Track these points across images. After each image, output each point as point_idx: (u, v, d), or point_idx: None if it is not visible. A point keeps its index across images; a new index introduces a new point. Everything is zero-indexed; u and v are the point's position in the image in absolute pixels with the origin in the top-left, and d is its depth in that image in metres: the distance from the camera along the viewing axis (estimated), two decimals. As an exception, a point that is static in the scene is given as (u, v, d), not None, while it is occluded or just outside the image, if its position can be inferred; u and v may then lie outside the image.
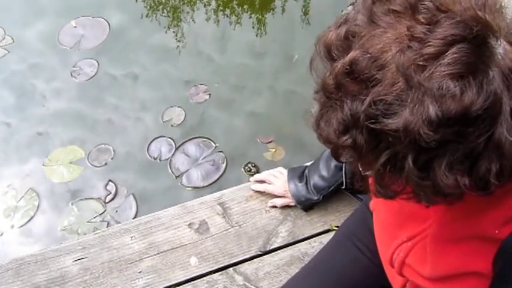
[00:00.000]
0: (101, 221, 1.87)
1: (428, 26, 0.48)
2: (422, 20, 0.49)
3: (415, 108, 0.47)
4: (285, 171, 1.38)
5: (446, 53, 0.47)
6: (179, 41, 2.43)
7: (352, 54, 0.51)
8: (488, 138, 0.48)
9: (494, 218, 0.61)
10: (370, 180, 0.59)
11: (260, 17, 2.52)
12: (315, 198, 1.30)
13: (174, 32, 2.47)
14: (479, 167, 0.50)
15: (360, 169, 0.59)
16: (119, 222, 1.72)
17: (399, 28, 0.50)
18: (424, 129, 0.47)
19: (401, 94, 0.48)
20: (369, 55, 0.50)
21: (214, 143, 2.05)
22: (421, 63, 0.47)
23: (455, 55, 0.46)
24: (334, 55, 0.53)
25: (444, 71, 0.46)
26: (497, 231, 0.60)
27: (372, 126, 0.50)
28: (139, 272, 1.29)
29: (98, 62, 2.33)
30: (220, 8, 2.56)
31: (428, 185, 0.52)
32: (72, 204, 1.91)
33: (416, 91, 0.47)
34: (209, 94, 2.20)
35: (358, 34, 0.52)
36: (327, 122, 0.54)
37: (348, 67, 0.51)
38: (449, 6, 0.49)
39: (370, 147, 0.52)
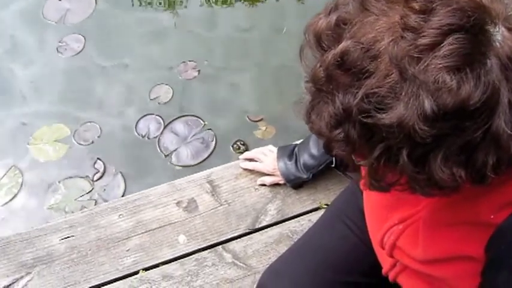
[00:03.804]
0: (88, 200, 1.85)
1: (422, 15, 0.46)
2: (417, 8, 0.46)
3: (409, 102, 0.46)
4: (274, 149, 1.37)
5: (442, 44, 0.45)
6: (168, 17, 2.38)
7: (344, 44, 0.48)
8: (486, 130, 0.47)
9: (489, 203, 0.59)
10: (364, 172, 0.57)
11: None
12: (305, 176, 1.29)
13: (163, 8, 2.41)
14: (476, 159, 0.49)
15: (353, 160, 0.57)
16: (107, 201, 1.71)
17: (392, 16, 0.47)
18: (419, 124, 0.45)
19: (395, 86, 0.46)
20: (361, 45, 0.47)
21: (203, 121, 2.03)
22: (415, 55, 0.45)
23: (451, 46, 0.44)
24: (324, 45, 0.51)
25: (440, 64, 0.44)
26: (492, 217, 0.59)
27: (365, 120, 0.48)
28: (127, 250, 1.29)
29: (84, 37, 2.27)
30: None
31: (424, 178, 0.50)
32: (59, 182, 1.89)
33: (411, 84, 0.46)
34: (198, 71, 2.17)
35: (349, 22, 0.50)
36: (318, 115, 0.52)
37: (339, 59, 0.48)
38: None
39: (363, 141, 0.50)
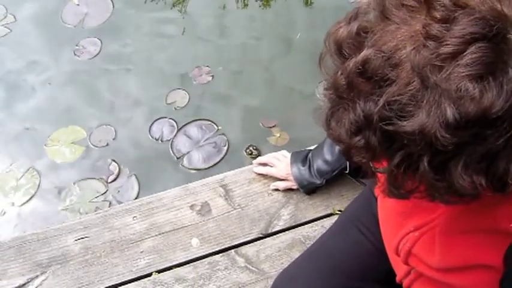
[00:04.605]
0: (102, 201, 1.87)
1: (444, 24, 0.46)
2: (439, 17, 0.46)
3: (431, 110, 0.46)
4: (288, 155, 1.37)
5: (465, 53, 0.45)
6: (182, 23, 2.40)
7: (365, 53, 0.49)
8: (508, 139, 0.47)
9: (508, 212, 0.59)
10: (382, 180, 0.57)
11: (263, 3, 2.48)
12: (318, 182, 1.29)
13: (178, 15, 2.44)
14: (497, 167, 0.49)
15: (372, 167, 0.57)
16: (121, 202, 1.73)
17: (413, 24, 0.48)
18: (441, 132, 0.45)
19: (416, 94, 0.46)
20: (382, 53, 0.48)
21: (217, 126, 2.04)
22: (437, 63, 0.45)
23: (474, 55, 0.44)
24: (345, 53, 0.52)
25: (463, 72, 0.45)
26: (511, 225, 0.58)
27: (386, 127, 0.48)
28: (140, 252, 1.30)
29: (101, 40, 2.30)
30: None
31: (444, 186, 0.50)
32: (74, 183, 1.91)
33: (433, 92, 0.46)
34: (212, 76, 2.19)
35: (370, 30, 0.50)
36: (338, 122, 0.53)
37: (360, 67, 0.49)
38: (467, 0, 0.47)
39: (383, 148, 0.50)
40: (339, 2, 2.25)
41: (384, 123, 0.48)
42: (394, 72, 0.48)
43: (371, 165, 0.57)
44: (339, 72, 0.52)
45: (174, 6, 2.45)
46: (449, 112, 0.45)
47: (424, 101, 0.46)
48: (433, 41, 0.46)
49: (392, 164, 0.51)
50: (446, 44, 0.45)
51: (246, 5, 2.45)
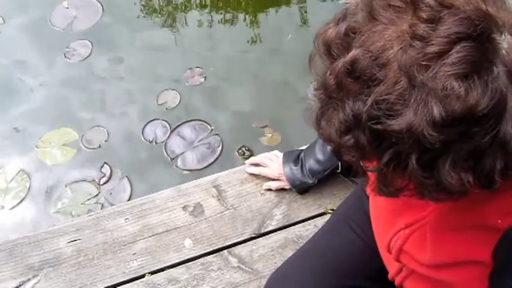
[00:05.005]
0: (95, 203, 1.86)
1: (430, 24, 0.47)
2: (425, 17, 0.47)
3: (418, 109, 0.47)
4: (280, 155, 1.38)
5: (450, 52, 0.46)
6: (172, 25, 2.40)
7: (353, 53, 0.50)
8: (493, 136, 0.48)
9: (497, 207, 0.60)
10: (372, 178, 0.58)
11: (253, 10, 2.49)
12: (310, 181, 1.29)
13: (168, 17, 2.44)
14: (484, 164, 0.50)
15: (362, 166, 0.58)
16: (113, 205, 1.72)
17: (400, 25, 0.49)
18: (428, 130, 0.46)
19: (404, 93, 0.47)
20: (370, 54, 0.49)
21: (210, 126, 2.05)
22: (424, 62, 0.46)
23: (459, 54, 0.45)
24: (334, 54, 0.52)
25: (448, 71, 0.45)
26: (500, 221, 0.60)
27: (375, 126, 0.49)
28: (133, 254, 1.29)
29: (91, 43, 2.30)
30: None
31: (432, 183, 0.51)
32: (65, 186, 1.90)
33: (420, 91, 0.47)
34: (205, 77, 2.19)
35: (358, 31, 0.51)
36: (328, 121, 0.53)
37: (348, 67, 0.50)
38: (452, 0, 0.47)
39: (372, 147, 0.51)
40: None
41: (372, 122, 0.49)
42: (382, 72, 0.48)
43: (361, 164, 0.57)
44: (328, 73, 0.52)
45: (161, 12, 2.45)
46: (436, 110, 0.46)
47: (412, 100, 0.47)
48: (419, 40, 0.47)
49: (381, 162, 0.52)
50: (432, 44, 0.46)
51: (234, 10, 2.45)
